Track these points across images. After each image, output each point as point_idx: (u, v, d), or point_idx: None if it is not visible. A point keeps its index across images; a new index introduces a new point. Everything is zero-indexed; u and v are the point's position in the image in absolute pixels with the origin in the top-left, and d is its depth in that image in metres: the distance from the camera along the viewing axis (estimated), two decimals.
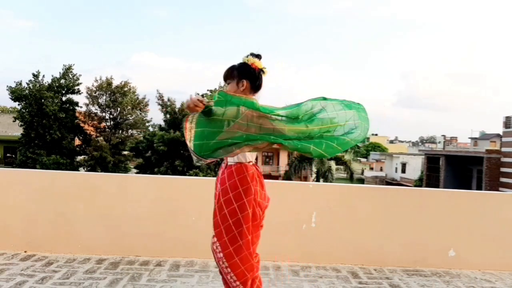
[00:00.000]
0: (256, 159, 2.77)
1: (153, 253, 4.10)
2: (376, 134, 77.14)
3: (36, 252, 4.12)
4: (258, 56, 2.65)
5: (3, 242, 4.15)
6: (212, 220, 2.58)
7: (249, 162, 2.58)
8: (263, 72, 2.65)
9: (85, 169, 30.78)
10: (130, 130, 34.73)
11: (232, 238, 2.50)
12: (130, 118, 34.17)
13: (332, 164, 30.47)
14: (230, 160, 2.58)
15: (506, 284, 3.87)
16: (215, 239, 2.55)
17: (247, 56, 2.63)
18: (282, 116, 2.47)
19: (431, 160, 40.00)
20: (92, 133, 33.69)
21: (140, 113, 34.95)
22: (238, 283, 2.54)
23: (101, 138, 33.30)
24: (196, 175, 24.67)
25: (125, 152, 33.01)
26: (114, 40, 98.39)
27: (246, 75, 2.60)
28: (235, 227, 2.50)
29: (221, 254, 2.53)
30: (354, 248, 4.21)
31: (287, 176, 29.10)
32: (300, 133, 2.48)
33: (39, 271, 3.63)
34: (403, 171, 49.71)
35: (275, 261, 4.15)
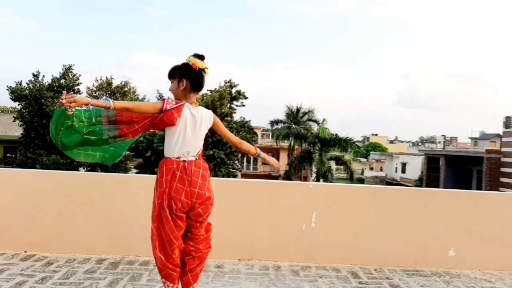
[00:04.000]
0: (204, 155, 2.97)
1: None
2: (376, 134, 77.10)
3: (36, 252, 4.12)
4: (201, 57, 2.82)
5: (3, 242, 4.14)
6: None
7: (177, 158, 2.77)
8: (205, 72, 2.82)
9: (85, 169, 30.72)
10: None
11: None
12: None
13: (332, 164, 30.46)
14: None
15: (506, 284, 3.87)
16: None
17: (189, 57, 2.81)
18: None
19: (431, 160, 39.98)
20: None
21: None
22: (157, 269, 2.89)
23: None
24: None
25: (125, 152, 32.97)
26: (114, 39, 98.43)
27: (186, 75, 2.78)
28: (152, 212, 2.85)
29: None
30: (354, 248, 4.21)
31: (287, 176, 29.06)
32: None
33: (39, 271, 3.63)
34: (403, 171, 49.68)
35: (275, 261, 4.15)
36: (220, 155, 26.34)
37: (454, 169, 36.64)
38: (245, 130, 30.54)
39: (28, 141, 30.51)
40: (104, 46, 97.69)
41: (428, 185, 36.75)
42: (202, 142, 2.87)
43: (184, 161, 2.78)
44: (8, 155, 38.47)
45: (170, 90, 2.86)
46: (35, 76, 31.61)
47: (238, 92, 32.80)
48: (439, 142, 65.52)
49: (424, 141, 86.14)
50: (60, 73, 32.02)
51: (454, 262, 4.24)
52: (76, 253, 4.13)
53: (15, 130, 35.22)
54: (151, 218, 2.82)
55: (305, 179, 32.46)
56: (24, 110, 30.93)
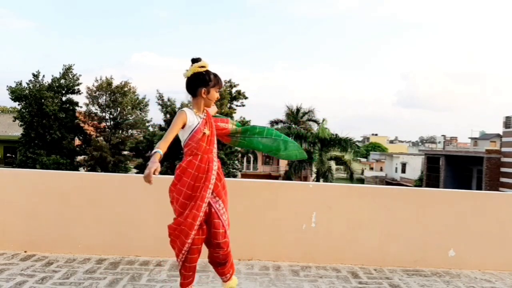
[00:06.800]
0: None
1: (153, 253, 4.10)
2: (376, 134, 77.11)
3: (36, 252, 4.12)
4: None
5: (3, 242, 4.15)
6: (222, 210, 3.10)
7: None
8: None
9: (85, 169, 30.75)
10: (130, 130, 34.69)
11: None
12: (130, 118, 34.12)
13: (332, 164, 30.45)
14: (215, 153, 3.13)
15: (506, 284, 3.87)
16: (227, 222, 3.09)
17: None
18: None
19: (431, 160, 39.99)
20: (92, 133, 33.64)
21: (140, 113, 34.92)
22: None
23: (101, 138, 33.26)
24: None
25: (125, 152, 32.99)
26: (114, 40, 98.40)
27: None
28: None
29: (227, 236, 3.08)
30: (354, 248, 4.21)
31: (287, 176, 29.06)
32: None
33: (39, 271, 3.63)
34: (403, 171, 49.70)
35: (275, 261, 4.15)
36: (220, 155, 26.34)
37: (454, 169, 36.65)
38: None
39: (28, 141, 30.53)
40: (104, 46, 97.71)
41: (428, 185, 36.76)
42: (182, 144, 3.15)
43: None
44: (8, 155, 38.48)
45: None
46: (35, 76, 31.62)
47: (238, 92, 32.81)
48: (439, 142, 65.55)
49: (424, 141, 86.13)
50: (60, 73, 32.06)
51: (454, 262, 4.24)
52: (76, 253, 4.13)
53: (15, 130, 35.23)
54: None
55: (305, 179, 32.45)
56: (24, 110, 30.94)
